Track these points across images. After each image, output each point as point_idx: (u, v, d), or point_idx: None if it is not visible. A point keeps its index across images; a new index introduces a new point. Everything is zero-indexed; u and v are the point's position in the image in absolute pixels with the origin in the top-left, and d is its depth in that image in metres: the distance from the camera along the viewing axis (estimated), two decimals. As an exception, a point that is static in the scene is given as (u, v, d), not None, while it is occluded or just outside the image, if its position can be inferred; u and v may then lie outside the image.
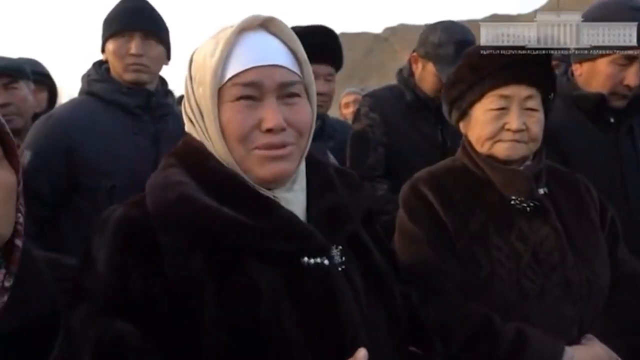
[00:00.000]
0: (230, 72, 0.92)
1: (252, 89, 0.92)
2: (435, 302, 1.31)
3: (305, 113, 0.97)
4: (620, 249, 1.53)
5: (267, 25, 0.97)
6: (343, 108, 4.84)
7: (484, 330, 1.33)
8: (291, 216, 0.93)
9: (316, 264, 0.92)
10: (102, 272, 0.87)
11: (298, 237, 0.92)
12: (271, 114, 0.91)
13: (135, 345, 0.83)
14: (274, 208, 0.93)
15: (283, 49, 0.97)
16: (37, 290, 0.95)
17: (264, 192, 0.95)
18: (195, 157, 0.96)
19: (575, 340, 1.35)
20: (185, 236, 0.87)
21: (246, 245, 0.89)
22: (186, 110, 1.00)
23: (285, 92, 0.94)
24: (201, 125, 0.96)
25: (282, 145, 0.93)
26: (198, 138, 0.98)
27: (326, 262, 0.93)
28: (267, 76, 0.92)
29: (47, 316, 0.92)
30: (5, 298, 0.90)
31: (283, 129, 0.92)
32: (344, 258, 0.97)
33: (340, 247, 0.98)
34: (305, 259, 0.92)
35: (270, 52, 0.94)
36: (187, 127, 1.01)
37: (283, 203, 0.95)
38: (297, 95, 0.96)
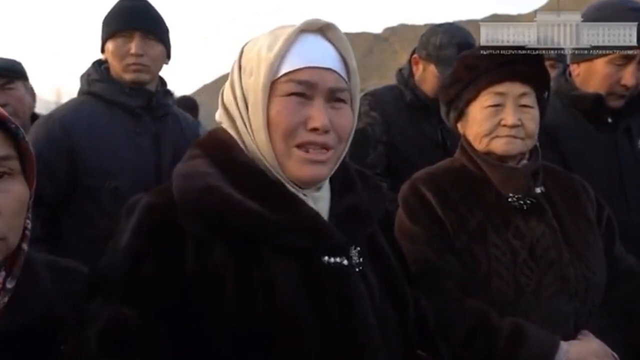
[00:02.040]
0: (286, 68, 0.94)
1: (305, 87, 0.94)
2: (433, 300, 1.32)
3: (348, 119, 0.99)
4: (617, 246, 1.55)
5: (324, 30, 1.00)
6: None
7: (481, 326, 1.34)
8: (314, 214, 0.95)
9: (335, 263, 0.94)
10: (119, 257, 0.89)
11: (319, 235, 0.94)
12: (318, 114, 0.94)
13: (139, 331, 0.84)
14: (298, 205, 0.95)
15: (337, 56, 0.99)
16: (35, 291, 0.95)
17: (293, 189, 0.97)
18: (222, 149, 0.98)
19: (571, 336, 1.37)
20: (209, 225, 0.89)
21: (268, 239, 0.91)
22: (226, 98, 1.01)
23: (334, 97, 0.97)
24: (244, 115, 0.97)
25: (323, 147, 0.95)
26: (230, 128, 1.00)
27: (345, 262, 0.95)
28: (320, 78, 0.95)
29: (45, 317, 0.92)
30: (6, 299, 0.90)
31: (327, 131, 0.95)
32: (361, 259, 0.99)
33: (359, 248, 1.00)
34: (326, 257, 0.94)
35: (326, 56, 0.97)
36: (219, 115, 1.03)
37: (311, 201, 0.97)
38: (344, 101, 0.99)
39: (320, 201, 0.99)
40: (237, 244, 0.90)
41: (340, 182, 1.04)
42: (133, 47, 1.90)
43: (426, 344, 1.11)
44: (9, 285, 0.91)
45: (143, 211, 0.92)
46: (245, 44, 1.03)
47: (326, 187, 1.02)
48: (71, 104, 2.01)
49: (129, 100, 1.93)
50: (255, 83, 0.95)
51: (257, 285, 0.88)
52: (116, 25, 1.94)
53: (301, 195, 0.97)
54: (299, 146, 0.94)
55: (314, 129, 0.93)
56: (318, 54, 0.96)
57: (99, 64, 2.02)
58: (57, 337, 0.88)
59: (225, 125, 1.01)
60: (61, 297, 0.95)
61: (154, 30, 1.96)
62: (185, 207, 0.90)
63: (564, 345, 1.33)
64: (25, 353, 0.89)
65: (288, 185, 0.96)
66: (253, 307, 0.87)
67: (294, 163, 0.95)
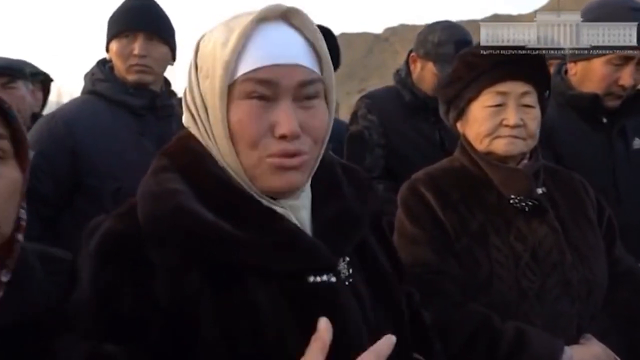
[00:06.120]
0: (244, 67, 0.81)
1: (266, 87, 0.81)
2: (435, 303, 1.31)
3: (322, 118, 0.87)
4: (617, 247, 1.54)
5: (288, 16, 0.86)
6: None
7: (483, 330, 1.33)
8: (296, 231, 0.85)
9: (322, 282, 0.84)
10: (85, 293, 0.80)
11: (303, 256, 0.83)
12: (285, 118, 0.81)
13: None
14: (278, 223, 0.84)
15: (304, 45, 0.86)
16: (30, 284, 0.92)
17: (268, 202, 0.86)
18: (192, 159, 0.87)
19: (574, 339, 1.36)
20: (180, 254, 0.79)
21: (247, 265, 0.81)
22: (187, 102, 0.90)
23: (303, 93, 0.84)
24: (205, 123, 0.86)
25: (296, 154, 0.83)
26: (197, 135, 0.89)
27: (333, 279, 0.85)
28: (285, 75, 0.82)
29: (40, 310, 0.89)
30: (1, 293, 0.87)
31: (297, 136, 0.82)
32: (351, 270, 0.90)
33: (348, 258, 0.90)
34: (311, 277, 0.83)
35: (290, 48, 0.84)
36: (186, 120, 0.92)
37: (288, 212, 0.87)
38: (316, 97, 0.86)
39: (301, 211, 0.88)
40: (213, 271, 0.80)
41: (324, 186, 0.92)
42: (136, 48, 1.89)
43: (421, 341, 1.07)
44: (4, 279, 0.88)
45: (103, 239, 0.81)
46: (201, 38, 0.90)
47: (306, 193, 0.90)
48: (74, 103, 2.00)
49: (132, 100, 1.91)
50: (211, 87, 0.83)
51: (239, 315, 0.79)
52: (120, 26, 1.93)
53: (279, 209, 0.85)
54: (270, 157, 0.83)
55: (282, 136, 0.81)
56: (281, 48, 0.82)
57: (103, 64, 2.00)
58: (52, 330, 0.84)
59: (193, 130, 0.89)
60: (54, 288, 0.91)
61: (158, 31, 1.95)
62: (152, 234, 0.79)
63: (567, 350, 1.31)
64: (21, 348, 0.86)
65: (262, 199, 0.85)
66: (237, 339, 0.78)
67: (263, 173, 0.83)
